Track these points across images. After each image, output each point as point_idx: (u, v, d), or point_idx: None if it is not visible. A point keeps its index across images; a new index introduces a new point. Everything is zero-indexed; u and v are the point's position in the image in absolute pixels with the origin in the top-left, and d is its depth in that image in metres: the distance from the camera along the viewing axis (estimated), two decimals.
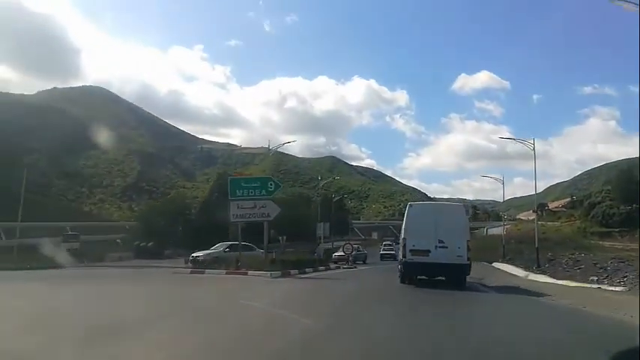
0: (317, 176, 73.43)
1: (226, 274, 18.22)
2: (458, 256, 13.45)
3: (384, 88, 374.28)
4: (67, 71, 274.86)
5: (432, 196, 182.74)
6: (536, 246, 26.45)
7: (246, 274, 17.65)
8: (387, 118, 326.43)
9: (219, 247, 26.26)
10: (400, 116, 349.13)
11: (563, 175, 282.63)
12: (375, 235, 74.85)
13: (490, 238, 66.91)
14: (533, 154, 27.88)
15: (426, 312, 9.08)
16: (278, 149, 37.04)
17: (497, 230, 79.94)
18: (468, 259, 13.58)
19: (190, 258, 25.05)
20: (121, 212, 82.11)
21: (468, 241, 13.89)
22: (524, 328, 7.74)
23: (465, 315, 9.05)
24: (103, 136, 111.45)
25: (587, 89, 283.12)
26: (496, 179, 43.08)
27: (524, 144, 29.01)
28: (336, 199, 69.94)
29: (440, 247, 13.47)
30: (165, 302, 9.94)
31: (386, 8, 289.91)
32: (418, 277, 14.30)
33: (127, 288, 13.74)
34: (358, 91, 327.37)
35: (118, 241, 44.85)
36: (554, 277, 18.55)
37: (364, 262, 32.55)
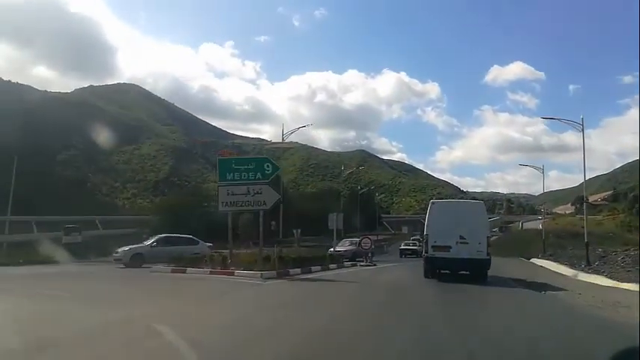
0: (345, 169, 72.41)
1: (210, 273, 15.88)
2: (478, 251, 13.94)
3: (415, 81, 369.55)
4: (102, 70, 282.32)
5: (464, 190, 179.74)
6: (586, 240, 23.15)
7: (232, 274, 15.24)
8: (419, 111, 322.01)
9: (147, 242, 22.30)
10: (432, 109, 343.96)
11: (602, 167, 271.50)
12: (405, 230, 73.34)
13: (526, 232, 64.20)
14: (582, 134, 25.02)
15: None
16: (290, 136, 35.47)
17: (532, 224, 77.05)
18: (488, 254, 14.09)
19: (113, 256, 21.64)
20: (152, 206, 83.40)
21: (488, 237, 14.43)
22: None
23: None
24: (136, 132, 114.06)
25: (627, 78, 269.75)
26: (536, 168, 40.54)
27: (571, 124, 26.50)
28: (362, 191, 68.40)
29: (461, 242, 13.99)
30: (66, 321, 7.30)
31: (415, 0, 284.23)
32: (442, 271, 14.76)
33: (59, 293, 10.75)
34: (388, 85, 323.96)
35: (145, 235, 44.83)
36: (614, 279, 14.67)
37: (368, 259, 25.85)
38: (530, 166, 45.43)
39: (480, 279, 13.79)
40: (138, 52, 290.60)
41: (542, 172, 39.51)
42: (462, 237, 13.95)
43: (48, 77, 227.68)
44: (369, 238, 26.60)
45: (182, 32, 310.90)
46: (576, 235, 29.52)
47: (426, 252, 14.47)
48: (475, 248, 13.88)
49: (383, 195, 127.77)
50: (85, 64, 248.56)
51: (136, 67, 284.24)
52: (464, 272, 14.60)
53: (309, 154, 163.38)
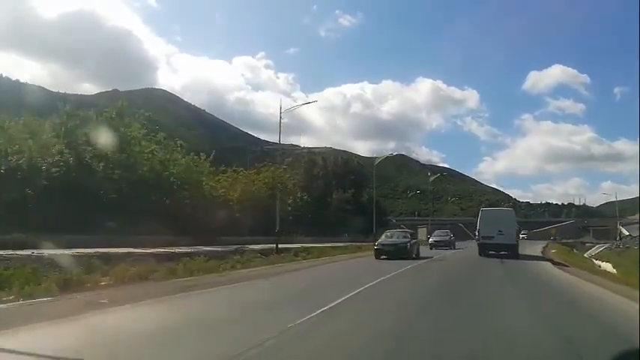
0: (378, 157, 61.97)
1: None
2: (510, 239, 23.17)
3: (453, 88, 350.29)
4: (141, 85, 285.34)
5: (515, 198, 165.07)
6: None
7: None
8: (459, 122, 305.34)
9: None
10: (472, 118, 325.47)
11: None
12: (422, 234, 55.89)
13: None
14: None
15: None
16: (292, 111, 28.62)
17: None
18: (517, 241, 23.80)
19: None
20: None
21: (516, 230, 24.31)
22: None
23: None
24: (157, 137, 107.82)
25: None
26: None
27: None
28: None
29: (499, 234, 23.12)
30: None
31: (439, 5, 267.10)
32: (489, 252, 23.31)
33: None
34: (425, 93, 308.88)
35: None
36: None
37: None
38: None
39: (513, 256, 22.11)
40: (175, 68, 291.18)
41: None
42: (499, 231, 23.21)
43: (91, 91, 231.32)
44: None
45: (215, 47, 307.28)
46: None
47: (478, 240, 24.52)
48: (508, 237, 23.17)
49: (422, 202, 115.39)
50: (125, 81, 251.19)
51: (173, 81, 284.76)
52: (503, 252, 22.64)
53: (342, 159, 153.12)
